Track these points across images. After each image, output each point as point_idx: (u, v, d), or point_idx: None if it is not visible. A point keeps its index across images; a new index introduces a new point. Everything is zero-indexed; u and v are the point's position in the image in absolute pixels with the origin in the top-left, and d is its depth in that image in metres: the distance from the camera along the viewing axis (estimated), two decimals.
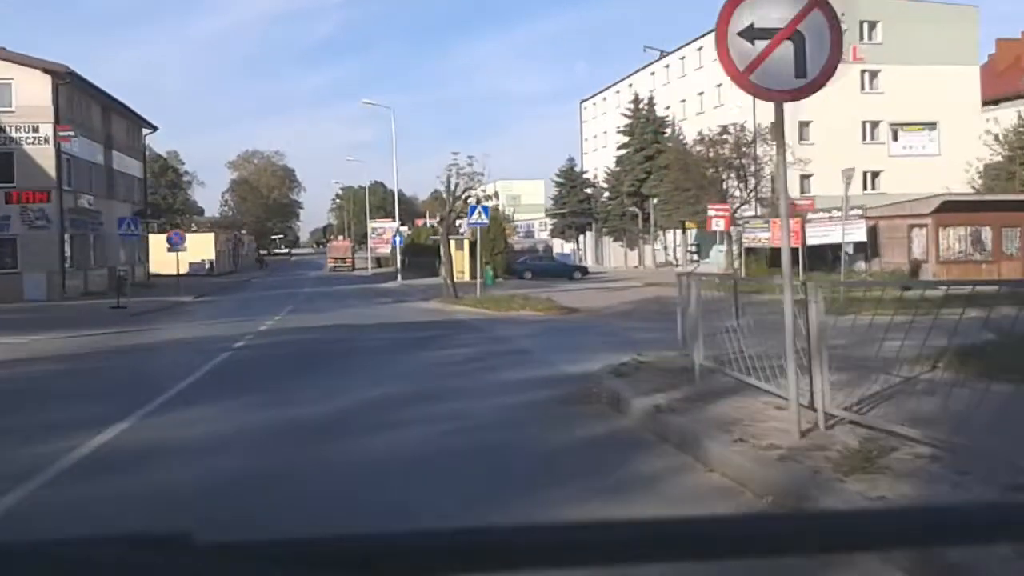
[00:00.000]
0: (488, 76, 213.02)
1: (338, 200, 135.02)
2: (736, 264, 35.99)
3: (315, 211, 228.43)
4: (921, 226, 30.22)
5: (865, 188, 50.05)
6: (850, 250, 35.82)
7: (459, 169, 29.16)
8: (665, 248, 62.30)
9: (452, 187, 29.64)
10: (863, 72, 51.64)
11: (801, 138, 46.96)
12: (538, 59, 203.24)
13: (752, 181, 41.15)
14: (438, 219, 32.01)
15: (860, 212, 32.55)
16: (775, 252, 34.32)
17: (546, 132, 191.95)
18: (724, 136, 41.24)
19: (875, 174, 51.63)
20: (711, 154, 40.80)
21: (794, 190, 46.75)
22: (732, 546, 0.87)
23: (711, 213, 34.00)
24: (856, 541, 0.90)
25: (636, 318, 22.09)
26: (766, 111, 40.86)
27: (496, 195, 45.60)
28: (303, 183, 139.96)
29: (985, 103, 52.52)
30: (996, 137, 45.46)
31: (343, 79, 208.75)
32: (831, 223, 32.80)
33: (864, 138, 52.01)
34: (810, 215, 33.60)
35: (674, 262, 60.60)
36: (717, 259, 55.23)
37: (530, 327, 19.87)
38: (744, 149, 40.93)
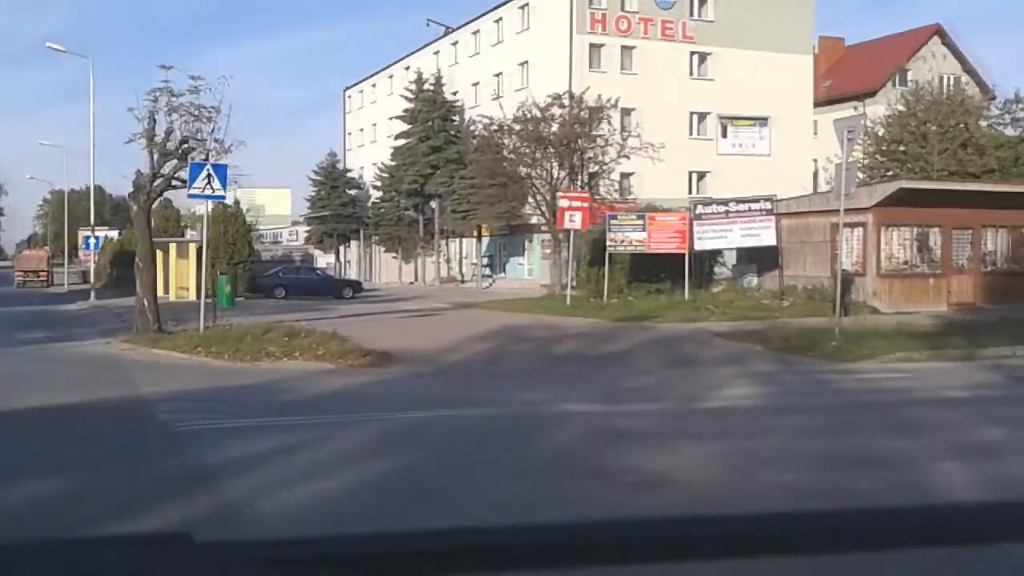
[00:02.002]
0: (237, 85, 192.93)
1: (45, 205, 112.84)
2: (571, 278, 25.64)
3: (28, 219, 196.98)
4: (855, 225, 21.47)
5: (691, 192, 42.05)
6: (723, 259, 26.68)
7: (172, 99, 16.31)
8: (448, 261, 51.52)
9: (158, 133, 16.52)
10: (692, 54, 43.76)
11: (624, 128, 37.89)
12: (293, 64, 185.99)
13: (591, 167, 31.23)
14: (130, 193, 18.72)
15: (769, 206, 23.25)
16: (646, 260, 24.31)
17: (305, 138, 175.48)
18: (551, 111, 31.04)
19: (701, 175, 43.79)
20: (539, 131, 30.35)
21: (619, 188, 37.60)
22: (732, 546, 0.87)
23: (563, 204, 23.39)
24: (856, 541, 0.89)
25: (535, 376, 10.99)
26: (593, 87, 30.73)
27: (237, 203, 33.71)
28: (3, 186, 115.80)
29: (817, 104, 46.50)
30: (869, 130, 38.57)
31: (69, 80, 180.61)
32: (728, 221, 23.23)
33: (692, 132, 44.09)
34: (700, 209, 23.89)
35: (460, 277, 49.91)
36: (519, 273, 45.34)
37: (320, 430, 7.95)
38: (578, 128, 30.91)
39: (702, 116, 44.28)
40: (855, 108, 44.36)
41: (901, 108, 35.54)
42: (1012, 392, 10.46)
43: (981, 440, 7.29)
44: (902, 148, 34.60)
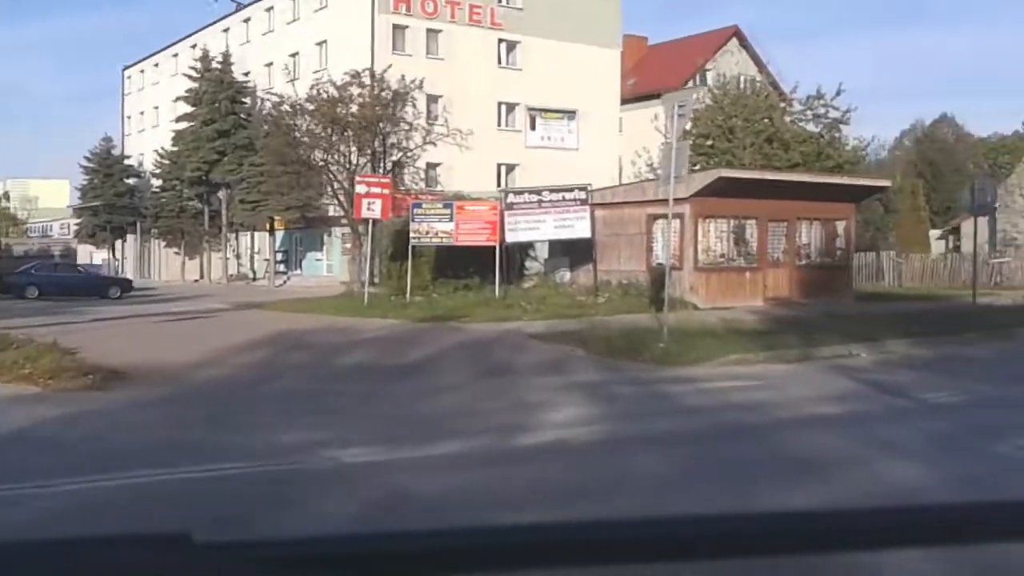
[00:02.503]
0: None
1: None
2: (370, 274, 22.99)
3: None
4: (672, 217, 19.97)
5: (499, 185, 40.25)
6: (535, 252, 24.83)
7: None
8: (239, 257, 47.30)
9: None
10: (500, 41, 41.95)
11: (431, 116, 35.53)
12: (75, 46, 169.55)
13: (394, 154, 28.59)
14: None
15: (584, 196, 21.50)
16: (454, 254, 21.96)
17: (87, 125, 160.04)
18: (350, 90, 28.15)
19: (510, 168, 42.11)
20: (335, 112, 27.37)
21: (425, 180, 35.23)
22: (732, 546, 0.87)
23: (360, 190, 20.64)
24: (855, 541, 0.89)
25: (308, 400, 8.20)
26: (396, 71, 27.89)
27: (7, 196, 28.73)
28: None
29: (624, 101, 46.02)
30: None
31: None
32: (541, 211, 21.29)
33: (501, 123, 42.30)
34: (511, 199, 21.77)
35: (251, 275, 45.83)
36: (316, 270, 41.91)
37: None
38: (379, 110, 28.19)
39: (511, 107, 42.60)
40: (692, 95, 43.97)
41: (709, 102, 35.17)
42: (882, 404, 8.83)
43: (908, 484, 5.37)
44: (710, 143, 34.18)
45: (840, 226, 23.03)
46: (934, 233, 47.77)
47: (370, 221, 20.89)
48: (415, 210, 21.04)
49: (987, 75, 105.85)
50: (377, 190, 20.58)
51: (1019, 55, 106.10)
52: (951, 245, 45.35)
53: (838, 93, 33.81)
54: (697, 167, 32.17)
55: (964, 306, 20.24)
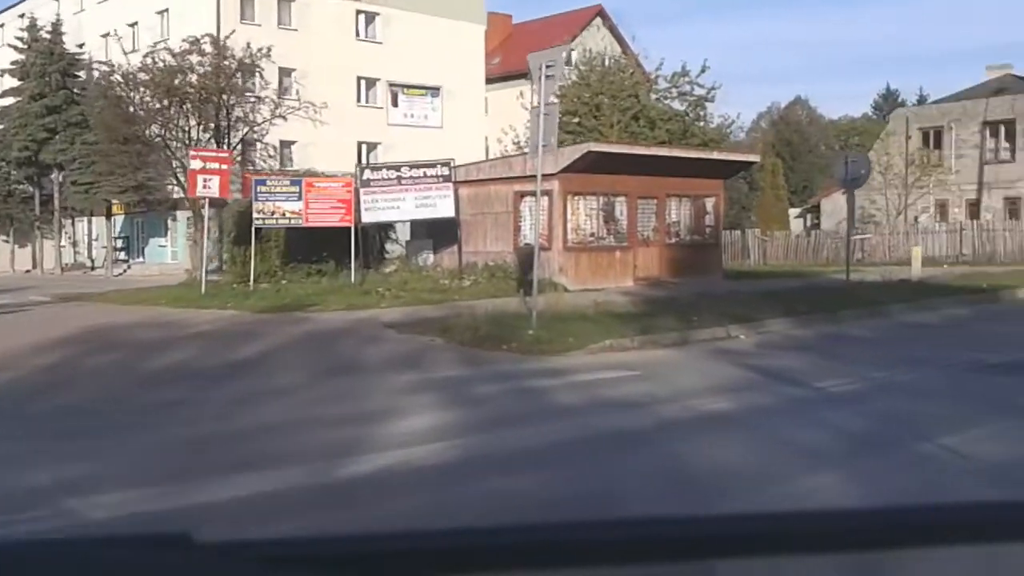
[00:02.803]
0: None
1: None
2: (209, 259, 20.93)
3: None
4: (541, 194, 18.76)
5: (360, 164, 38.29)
6: (395, 234, 23.27)
7: None
8: (75, 244, 43.57)
9: None
10: (358, 13, 39.84)
11: (283, 90, 33.30)
12: None
13: (241, 129, 26.32)
14: None
15: (447, 172, 20.04)
16: (306, 237, 20.10)
17: None
18: (189, 59, 25.70)
19: (372, 146, 40.18)
20: (172, 82, 24.90)
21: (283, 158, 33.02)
22: (731, 546, 0.87)
23: (195, 165, 18.53)
24: (855, 540, 0.88)
25: (92, 416, 6.37)
26: (243, 38, 25.62)
27: None
28: None
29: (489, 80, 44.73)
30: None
31: None
32: (400, 188, 19.71)
33: (361, 99, 40.26)
34: (368, 175, 20.05)
35: (89, 263, 42.25)
36: (160, 256, 38.86)
37: None
38: (223, 80, 25.85)
39: (371, 82, 40.61)
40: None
41: (575, 79, 34.29)
42: (778, 395, 7.79)
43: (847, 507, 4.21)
44: (576, 120, 33.31)
45: (709, 203, 22.42)
46: (792, 212, 48.75)
47: (208, 201, 18.82)
48: (258, 187, 19.02)
49: (837, 61, 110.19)
50: (215, 166, 18.54)
51: (867, 41, 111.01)
52: (809, 223, 46.25)
53: (703, 70, 33.57)
54: (565, 144, 31.32)
55: (836, 283, 19.91)
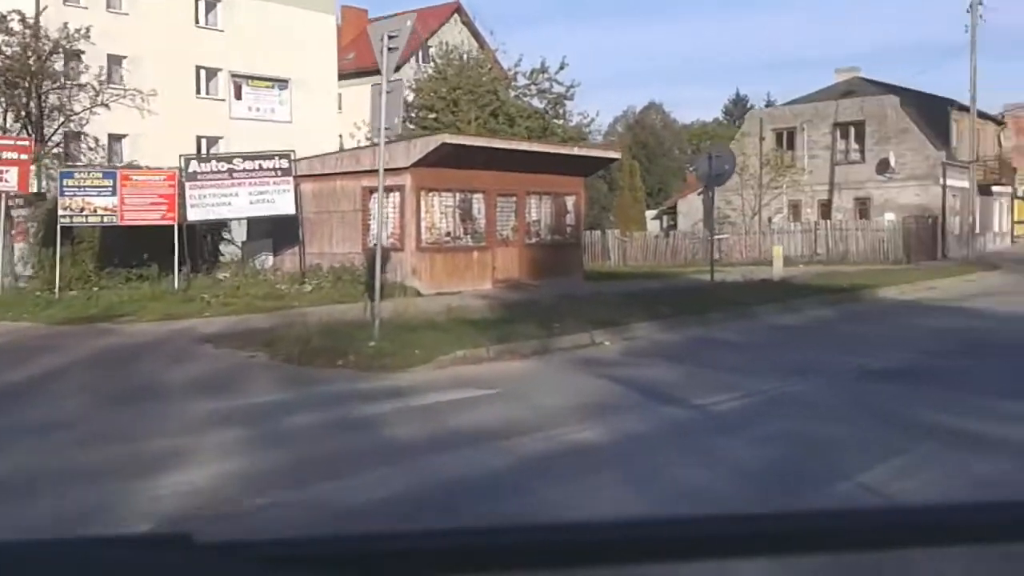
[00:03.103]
0: None
1: None
2: (4, 262, 18.39)
3: None
4: (391, 190, 17.22)
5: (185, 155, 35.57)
6: (231, 234, 21.20)
7: None
8: None
9: None
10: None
11: (112, 78, 30.34)
12: None
13: (56, 118, 23.51)
14: None
15: (286, 165, 18.19)
16: (125, 237, 17.81)
17: None
18: None
19: (213, 140, 37.45)
20: None
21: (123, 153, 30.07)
22: (732, 546, 0.87)
23: None
24: (855, 540, 0.88)
25: None
26: (61, 18, 22.90)
27: None
28: None
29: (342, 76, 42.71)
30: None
31: None
32: (233, 183, 17.73)
33: (200, 91, 37.46)
34: (194, 167, 17.91)
35: None
36: None
37: None
38: (33, 62, 23.01)
39: (212, 72, 37.81)
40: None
41: (431, 72, 32.92)
42: (657, 417, 6.56)
43: None
44: (433, 116, 31.94)
45: (570, 202, 21.41)
46: (649, 213, 48.96)
47: (7, 197, 16.32)
48: (65, 181, 16.60)
49: (689, 67, 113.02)
50: (13, 155, 16.05)
51: (717, 49, 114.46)
52: (665, 224, 46.48)
53: (561, 67, 32.81)
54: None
55: (699, 284, 19.25)
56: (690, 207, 40.61)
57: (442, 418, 6.68)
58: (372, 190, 18.27)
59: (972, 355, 10.17)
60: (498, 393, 7.73)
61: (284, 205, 17.93)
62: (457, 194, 18.89)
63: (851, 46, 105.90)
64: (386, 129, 10.28)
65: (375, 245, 17.88)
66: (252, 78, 38.69)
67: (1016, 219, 43.79)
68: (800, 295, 17.09)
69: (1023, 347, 10.96)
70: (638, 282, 21.06)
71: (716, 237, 31.94)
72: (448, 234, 18.79)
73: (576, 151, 21.72)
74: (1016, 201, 44.08)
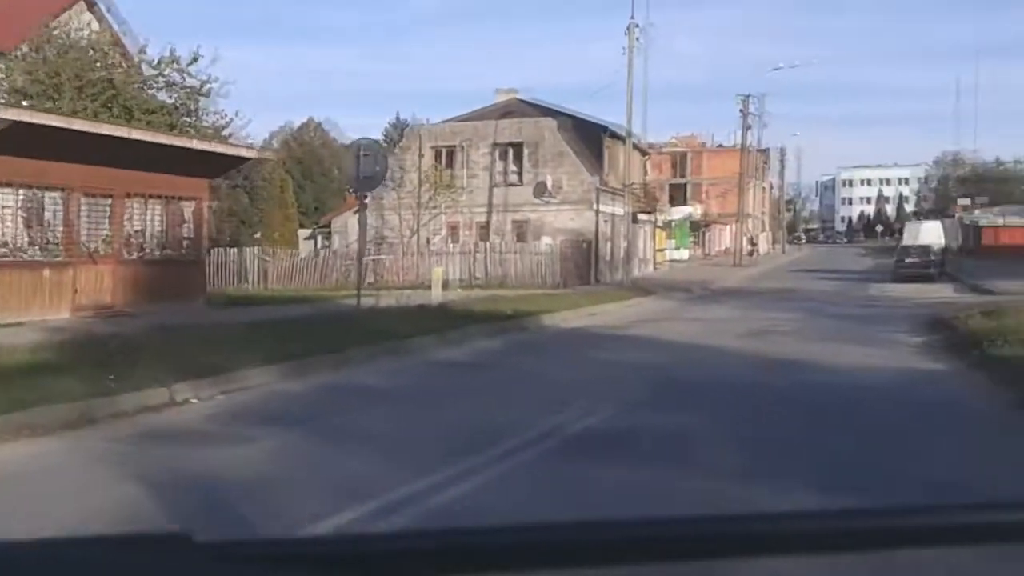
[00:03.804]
0: None
1: None
2: None
3: None
4: None
5: None
6: None
7: None
8: None
9: None
10: None
11: None
12: None
13: None
14: None
15: None
16: None
17: None
18: None
19: None
20: None
21: None
22: (732, 546, 0.86)
23: None
24: (855, 540, 0.86)
25: None
26: None
27: None
28: None
29: None
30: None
31: None
32: None
33: None
34: None
35: None
36: None
37: None
38: None
39: None
40: None
41: (26, 49, 26.90)
42: None
43: None
44: (27, 103, 25.95)
45: (188, 208, 17.25)
46: (303, 233, 45.33)
47: None
48: None
49: (352, 91, 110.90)
50: None
51: (380, 75, 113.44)
52: (320, 244, 43.09)
53: (195, 60, 28.20)
54: None
55: (346, 310, 16.13)
56: (345, 225, 37.54)
57: None
58: None
59: (681, 404, 7.93)
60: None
61: None
62: (22, 190, 14.08)
63: (523, 75, 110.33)
64: None
65: None
66: None
67: (656, 247, 45.84)
68: (462, 323, 14.54)
69: (725, 388, 8.97)
70: (276, 308, 17.49)
71: (371, 258, 29.05)
72: (6, 244, 13.89)
73: (195, 144, 17.48)
74: (656, 229, 46.21)
